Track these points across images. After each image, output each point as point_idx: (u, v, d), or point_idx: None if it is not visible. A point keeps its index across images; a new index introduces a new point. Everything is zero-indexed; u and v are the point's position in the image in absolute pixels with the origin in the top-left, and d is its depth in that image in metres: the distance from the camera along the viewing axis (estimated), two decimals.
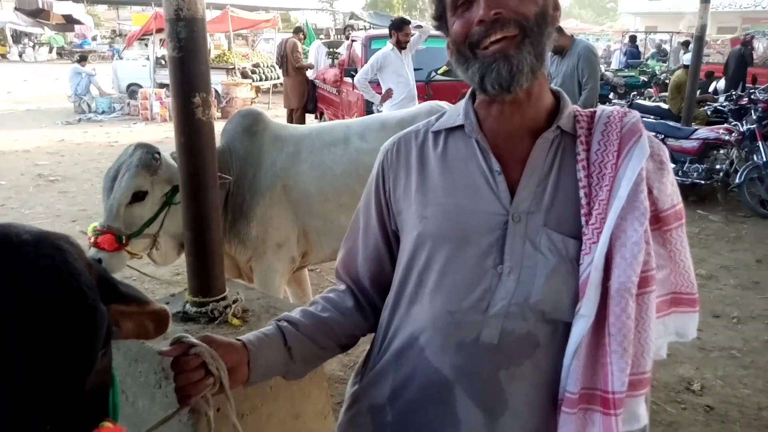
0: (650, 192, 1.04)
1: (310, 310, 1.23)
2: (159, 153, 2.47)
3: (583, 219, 1.01)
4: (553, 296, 1.01)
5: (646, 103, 9.61)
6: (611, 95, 14.09)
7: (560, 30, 5.60)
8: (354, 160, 2.98)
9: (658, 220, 1.06)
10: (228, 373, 1.05)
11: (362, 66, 7.34)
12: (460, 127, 1.13)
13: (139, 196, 2.42)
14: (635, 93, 12.14)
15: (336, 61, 10.39)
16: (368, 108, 7.50)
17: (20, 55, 31.36)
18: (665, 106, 8.82)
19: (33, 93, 17.40)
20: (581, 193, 1.03)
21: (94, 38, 33.54)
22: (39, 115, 13.64)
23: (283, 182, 2.87)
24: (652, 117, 7.81)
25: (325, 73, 10.32)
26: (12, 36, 32.36)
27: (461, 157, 1.11)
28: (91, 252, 2.39)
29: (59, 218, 6.16)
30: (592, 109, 1.11)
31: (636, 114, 1.08)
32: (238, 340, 1.12)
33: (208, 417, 1.09)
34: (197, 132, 1.88)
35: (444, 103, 3.58)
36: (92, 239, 2.42)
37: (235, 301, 2.07)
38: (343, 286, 1.28)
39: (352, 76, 8.14)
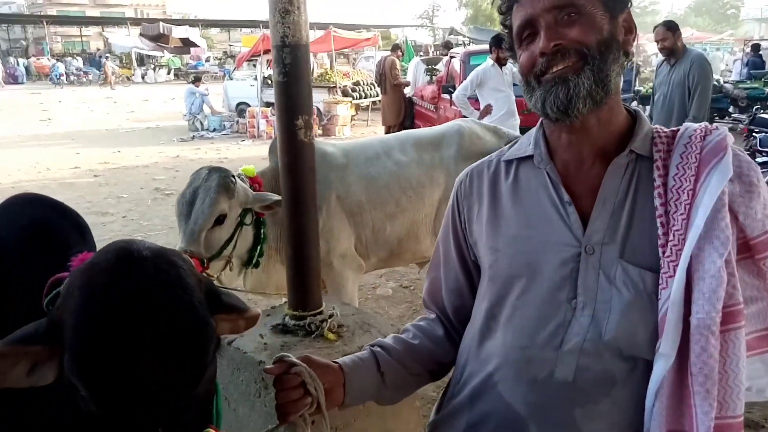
0: (736, 218, 0.96)
1: (401, 337, 1.25)
2: (234, 176, 2.51)
3: (660, 251, 0.96)
4: (629, 333, 0.97)
5: None
6: (731, 108, 13.18)
7: (674, 28, 5.30)
8: (395, 172, 3.11)
9: (748, 248, 0.97)
10: (324, 394, 1.09)
11: (460, 82, 7.34)
12: (531, 156, 1.11)
13: (219, 220, 2.43)
14: (758, 106, 11.26)
15: (434, 78, 10.43)
16: None
17: (143, 77, 34.12)
18: None
19: (152, 112, 18.85)
20: (658, 222, 0.97)
21: (207, 60, 35.91)
22: (157, 132, 14.73)
23: (336, 193, 2.94)
24: None
25: (423, 89, 10.41)
26: (136, 59, 35.30)
27: (532, 188, 1.09)
28: None
29: (173, 230, 6.59)
30: (675, 128, 1.05)
31: (723, 131, 0.99)
32: (335, 362, 1.15)
33: None
34: (299, 152, 1.96)
35: (472, 120, 3.66)
36: None
37: (331, 316, 2.13)
38: (433, 315, 1.29)
39: (450, 93, 8.16)
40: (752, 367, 0.97)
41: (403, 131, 3.53)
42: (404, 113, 10.75)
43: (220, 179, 2.42)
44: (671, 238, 0.95)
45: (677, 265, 0.93)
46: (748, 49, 17.05)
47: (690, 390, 0.92)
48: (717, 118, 13.13)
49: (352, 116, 14.96)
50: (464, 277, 1.22)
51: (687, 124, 1.06)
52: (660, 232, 0.96)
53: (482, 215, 1.14)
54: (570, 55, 0.98)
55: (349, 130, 14.30)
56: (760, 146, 6.78)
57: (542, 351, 1.01)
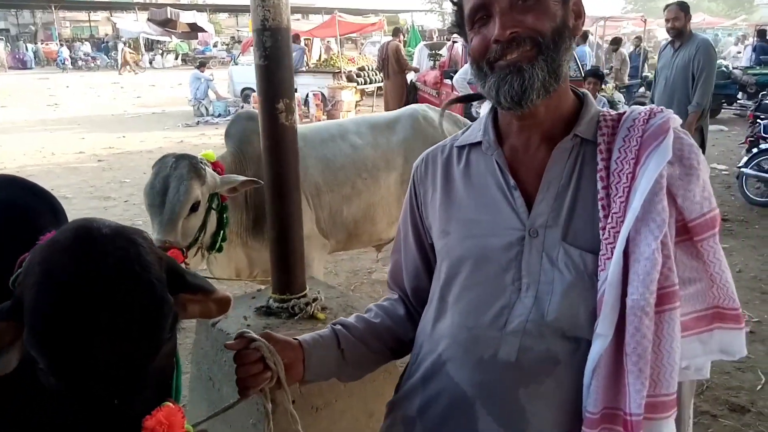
0: (675, 201, 0.96)
1: (363, 316, 1.28)
2: (203, 161, 2.46)
3: (600, 233, 0.97)
4: (571, 314, 0.98)
5: None
6: (739, 95, 13.03)
7: (686, 9, 5.24)
8: (350, 155, 3.14)
9: (686, 230, 0.98)
10: (284, 369, 1.11)
11: (462, 67, 7.32)
12: (480, 143, 1.13)
13: (194, 207, 2.37)
14: (766, 92, 11.12)
15: (437, 63, 10.39)
16: (467, 110, 7.45)
17: (150, 62, 34.11)
18: None
19: (159, 97, 18.88)
20: (599, 205, 0.98)
21: (215, 45, 35.85)
22: (162, 117, 14.77)
23: None
24: None
25: (426, 75, 10.39)
26: (144, 45, 35.28)
27: (482, 173, 1.11)
28: None
29: None
30: (621, 111, 1.05)
31: (668, 114, 0.99)
32: (295, 339, 1.17)
33: (266, 409, 1.15)
34: (281, 136, 1.97)
35: (427, 106, 3.66)
36: None
37: (315, 299, 2.15)
38: (395, 295, 1.32)
39: (452, 78, 8.14)
40: (690, 347, 0.98)
41: (359, 115, 3.71)
42: (406, 99, 10.73)
43: (191, 166, 2.35)
44: (610, 220, 0.96)
45: (615, 247, 0.94)
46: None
47: (625, 369, 0.93)
48: (725, 104, 13.00)
49: (357, 102, 14.91)
50: (421, 260, 1.24)
51: (634, 107, 1.07)
52: (601, 215, 0.98)
53: (436, 199, 1.16)
54: (525, 43, 0.98)
55: (354, 115, 14.28)
56: (764, 132, 6.72)
57: (487, 331, 1.03)
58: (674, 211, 0.96)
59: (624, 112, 1.05)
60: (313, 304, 2.12)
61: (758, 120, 7.17)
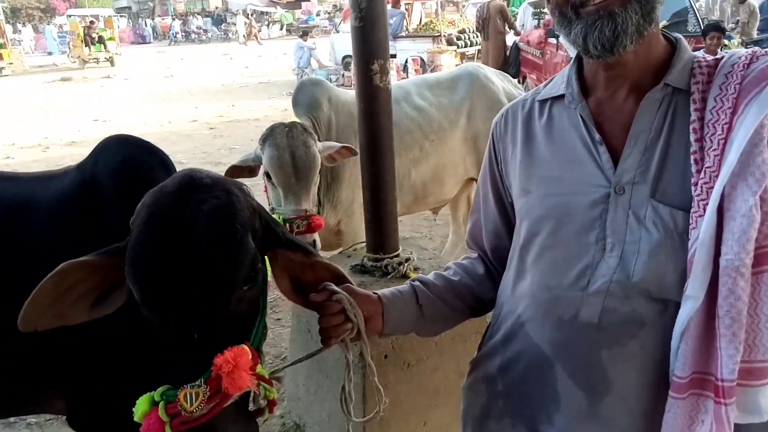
0: None
1: (443, 274, 1.28)
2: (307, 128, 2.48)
3: (692, 189, 0.90)
4: (658, 274, 0.93)
5: None
6: None
7: None
8: (416, 118, 3.08)
9: None
10: (365, 322, 1.14)
11: None
12: (563, 95, 1.07)
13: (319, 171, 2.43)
14: None
15: (541, 22, 9.95)
16: None
17: (256, 36, 35.27)
18: None
19: (265, 67, 19.54)
20: (691, 159, 0.91)
21: (317, 14, 36.39)
22: (269, 87, 15.30)
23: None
24: None
25: (529, 35, 9.97)
26: (251, 16, 36.50)
27: (565, 128, 1.06)
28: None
29: None
30: (719, 57, 0.96)
31: None
32: (375, 293, 1.20)
33: (347, 359, 1.18)
34: (375, 97, 2.00)
35: (478, 64, 3.57)
36: (303, 226, 2.26)
37: (407, 260, 2.19)
38: (475, 254, 1.31)
39: (557, 37, 7.77)
40: None
41: (419, 75, 3.59)
42: (506, 60, 10.42)
43: (308, 133, 2.38)
44: (703, 175, 0.89)
45: (707, 204, 0.88)
46: None
47: (717, 332, 0.88)
48: None
49: (457, 65, 14.66)
50: (501, 219, 1.22)
51: (733, 50, 0.97)
52: (693, 169, 0.91)
53: (516, 156, 1.13)
54: None
55: None
56: None
57: (568, 292, 1.00)
58: None
59: (722, 57, 0.96)
60: (406, 264, 2.16)
61: None
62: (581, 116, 1.04)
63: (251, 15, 32.73)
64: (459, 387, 2.17)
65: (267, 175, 2.35)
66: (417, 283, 1.25)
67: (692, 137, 0.93)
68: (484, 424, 1.17)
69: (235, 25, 35.85)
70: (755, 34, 11.64)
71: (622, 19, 0.91)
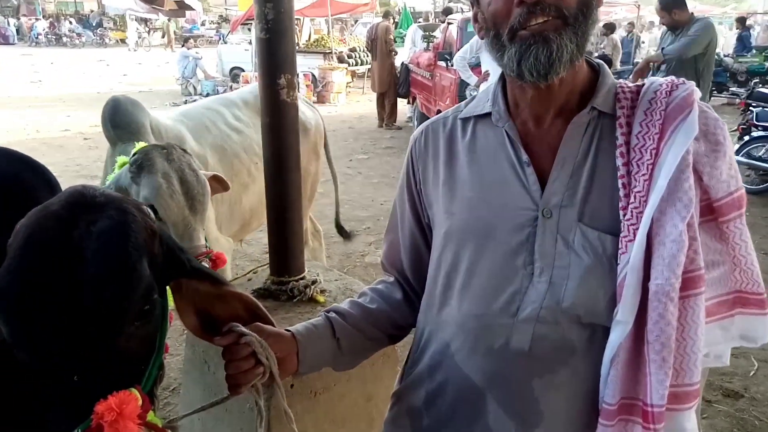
0: (700, 179, 0.91)
1: (358, 302, 1.22)
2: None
3: (620, 213, 0.91)
4: (588, 299, 0.93)
5: None
6: (729, 82, 13.05)
7: (681, 4, 5.19)
8: (239, 140, 2.94)
9: (711, 210, 0.93)
10: (277, 363, 1.05)
11: (457, 49, 7.24)
12: (489, 114, 1.05)
13: None
14: (757, 80, 11.14)
15: (431, 45, 10.28)
16: (461, 92, 7.38)
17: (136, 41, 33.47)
18: None
19: (146, 75, 18.56)
20: (619, 183, 0.92)
21: (203, 23, 35.29)
22: (150, 96, 14.50)
23: None
24: None
25: (419, 57, 10.26)
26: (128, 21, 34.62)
27: (490, 148, 1.04)
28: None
29: None
30: (640, 83, 0.99)
31: (690, 86, 0.93)
32: (287, 330, 1.11)
33: (259, 406, 1.09)
34: (282, 113, 1.90)
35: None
36: (208, 265, 1.77)
37: (314, 282, 2.10)
38: (392, 278, 1.26)
39: (446, 60, 8.04)
40: (711, 334, 0.94)
41: (218, 95, 3.33)
42: (396, 80, 10.66)
43: (191, 157, 1.99)
44: (632, 200, 0.90)
45: (637, 229, 0.89)
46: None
47: (646, 358, 0.89)
48: (715, 92, 13.02)
49: (348, 83, 14.77)
50: (422, 238, 1.18)
51: (653, 78, 1.00)
52: (621, 193, 0.92)
53: (438, 176, 1.09)
54: (550, 11, 0.90)
55: (345, 96, 14.13)
56: (757, 120, 6.73)
57: (498, 319, 0.97)
58: (699, 191, 0.91)
59: (643, 84, 0.98)
60: (312, 287, 2.07)
61: (750, 108, 7.17)
62: (508, 136, 1.02)
63: (169, 20, 31.00)
64: (366, 412, 2.13)
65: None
66: (332, 314, 1.18)
67: (619, 161, 0.93)
68: None
69: (111, 30, 33.86)
70: (618, 66, 12.79)
71: (557, 45, 0.90)
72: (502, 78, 1.06)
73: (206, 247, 1.87)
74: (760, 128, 6.73)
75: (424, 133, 1.15)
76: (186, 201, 1.86)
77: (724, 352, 1.00)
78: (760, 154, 6.56)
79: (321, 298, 2.06)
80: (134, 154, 1.79)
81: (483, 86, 6.29)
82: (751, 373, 3.30)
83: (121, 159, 1.93)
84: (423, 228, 1.16)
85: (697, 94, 0.93)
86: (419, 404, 1.10)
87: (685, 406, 0.91)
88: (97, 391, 0.82)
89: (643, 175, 0.90)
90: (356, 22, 23.75)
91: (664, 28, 5.74)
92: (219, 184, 2.07)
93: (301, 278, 2.08)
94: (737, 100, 7.71)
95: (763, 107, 7.06)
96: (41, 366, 0.83)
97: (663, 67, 5.40)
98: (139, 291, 0.86)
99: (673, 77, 0.98)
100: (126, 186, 1.81)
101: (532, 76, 0.92)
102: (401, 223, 1.21)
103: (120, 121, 2.23)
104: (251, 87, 3.30)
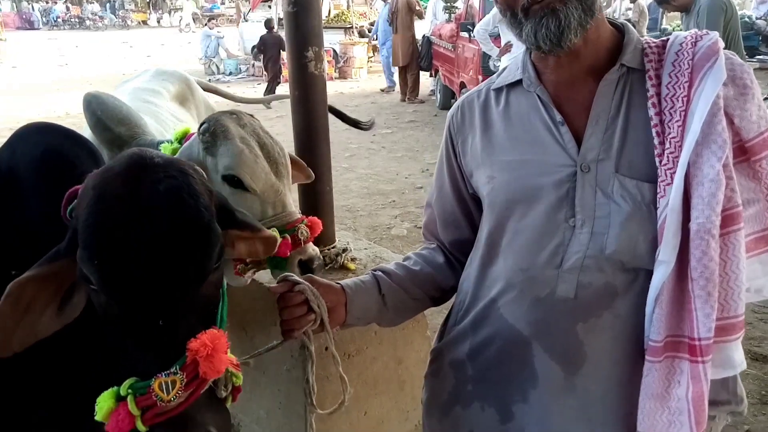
0: (731, 122, 0.95)
1: (403, 264, 1.29)
2: None
3: (656, 160, 0.96)
4: (630, 245, 0.98)
5: None
6: (762, 46, 12.68)
7: None
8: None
9: (743, 151, 0.97)
10: (327, 312, 1.13)
11: (479, 20, 7.16)
12: (520, 81, 1.10)
13: None
14: None
15: (453, 16, 10.16)
16: (484, 63, 7.32)
17: (158, 21, 33.70)
18: None
19: (169, 56, 18.69)
20: (653, 132, 0.97)
21: (222, 2, 35.24)
22: None
23: None
24: None
25: (441, 28, 10.15)
26: (150, 3, 34.80)
27: (524, 112, 1.09)
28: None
29: None
30: (665, 38, 1.03)
31: (714, 35, 0.97)
32: (338, 283, 1.19)
33: (309, 351, 1.17)
34: (310, 85, 1.95)
35: (170, 67, 3.01)
36: (306, 231, 1.59)
37: (344, 250, 2.17)
38: (433, 244, 1.32)
39: (469, 31, 7.96)
40: (750, 268, 0.98)
41: (134, 85, 2.71)
42: (417, 53, 10.59)
43: (259, 121, 1.75)
44: (668, 146, 0.95)
45: (675, 173, 0.93)
46: None
47: (690, 295, 0.93)
48: (746, 56, 12.66)
49: (369, 58, 14.70)
50: (461, 211, 1.23)
51: (676, 33, 1.04)
52: (656, 141, 0.96)
53: (476, 145, 1.14)
54: None
55: (366, 72, 14.08)
56: None
57: (543, 271, 1.03)
58: (731, 132, 0.95)
59: (667, 39, 1.03)
60: (343, 255, 2.14)
61: None
62: (540, 99, 1.07)
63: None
64: (397, 374, 2.20)
65: (232, 182, 1.57)
66: (379, 273, 1.25)
67: (651, 112, 0.98)
68: (450, 410, 1.18)
69: (133, 12, 34.04)
70: (645, 33, 12.50)
71: (564, 14, 0.97)
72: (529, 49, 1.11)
73: (300, 212, 1.69)
74: None
75: (460, 108, 1.21)
76: (270, 166, 1.63)
77: (764, 285, 1.04)
78: None
79: (352, 266, 2.12)
80: (202, 124, 1.60)
81: (505, 58, 6.23)
82: None
83: (167, 147, 1.74)
84: (464, 199, 1.22)
85: (721, 43, 0.97)
86: (462, 357, 1.16)
87: (732, 337, 0.96)
88: (185, 332, 0.90)
89: (677, 121, 0.94)
90: None
91: None
92: (300, 172, 1.83)
93: (332, 247, 2.15)
94: None
95: None
96: (134, 313, 0.90)
97: None
98: (217, 243, 0.95)
99: (696, 30, 1.02)
100: (200, 159, 1.60)
101: (547, 45, 0.99)
102: (440, 195, 1.27)
103: (121, 116, 1.85)
104: (154, 72, 2.88)
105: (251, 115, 1.66)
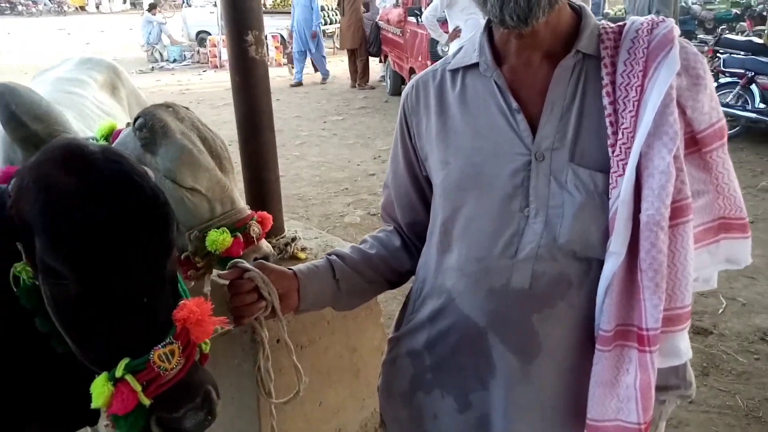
0: (683, 112, 0.95)
1: (358, 247, 1.26)
2: None
3: (609, 150, 0.95)
4: (583, 235, 0.97)
5: (737, 37, 8.84)
6: (697, 30, 13.13)
7: None
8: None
9: (695, 142, 0.97)
10: (279, 299, 1.10)
11: (427, 5, 7.14)
12: (477, 64, 1.07)
13: None
14: (725, 27, 11.22)
15: (400, 1, 10.12)
16: (433, 48, 7.32)
17: (97, 7, 32.40)
18: (759, 40, 8.11)
19: (109, 43, 18.01)
20: (606, 121, 0.95)
21: None
22: None
23: None
24: (742, 53, 7.22)
25: (388, 13, 10.08)
26: None
27: (480, 97, 1.06)
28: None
29: None
30: (621, 23, 1.01)
31: (669, 23, 0.96)
32: (290, 269, 1.16)
33: (261, 338, 1.16)
34: (251, 70, 1.88)
35: (95, 56, 2.90)
36: (258, 228, 1.53)
37: (294, 239, 2.12)
38: (391, 227, 1.29)
39: (416, 16, 7.94)
40: (699, 259, 0.99)
41: (57, 75, 2.53)
42: (365, 37, 10.53)
43: (193, 113, 1.62)
44: (620, 136, 0.94)
45: (626, 164, 0.92)
46: None
47: (640, 285, 0.93)
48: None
49: None
50: (416, 193, 1.20)
51: (633, 18, 1.02)
52: (609, 131, 0.95)
53: (431, 129, 1.11)
54: None
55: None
56: (724, 66, 6.82)
57: (498, 261, 1.01)
58: (683, 123, 0.94)
59: (624, 24, 1.00)
60: (293, 244, 2.09)
61: (717, 55, 7.25)
62: (497, 84, 1.03)
63: None
64: (351, 363, 2.18)
65: (175, 181, 1.44)
66: (333, 257, 1.21)
67: (606, 101, 0.96)
68: (413, 396, 1.17)
69: None
70: None
71: None
72: (488, 28, 1.08)
73: (248, 208, 1.59)
74: (727, 74, 6.84)
75: (414, 87, 1.17)
76: (214, 160, 1.53)
77: (711, 275, 1.06)
78: (727, 100, 6.67)
79: (302, 255, 2.09)
80: (137, 119, 1.48)
81: (454, 44, 6.24)
82: (720, 311, 3.44)
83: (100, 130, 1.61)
84: (419, 181, 1.19)
85: (677, 31, 0.96)
86: (420, 347, 1.15)
87: (678, 327, 0.97)
88: (165, 306, 0.96)
89: (630, 111, 0.93)
90: None
91: None
92: None
93: (282, 237, 2.10)
94: (705, 48, 7.76)
95: (731, 54, 7.15)
96: (118, 298, 0.92)
97: None
98: (174, 216, 1.00)
99: (653, 16, 1.00)
100: (137, 156, 1.44)
101: (513, 21, 0.93)
102: (395, 177, 1.24)
103: (39, 112, 1.56)
104: (78, 61, 2.72)
105: (186, 108, 1.56)
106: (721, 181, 0.99)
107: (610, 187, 0.94)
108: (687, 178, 0.94)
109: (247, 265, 1.10)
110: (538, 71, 1.02)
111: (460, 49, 1.14)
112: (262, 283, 1.08)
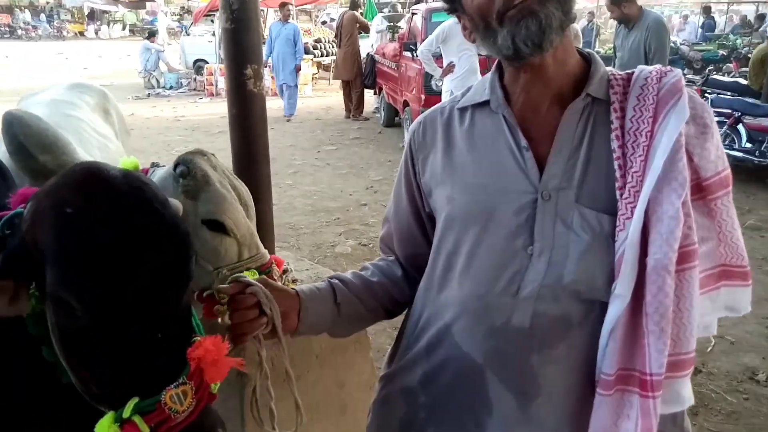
0: (691, 159, 0.96)
1: (360, 273, 1.25)
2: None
3: (617, 193, 0.96)
4: (588, 276, 0.97)
5: (723, 78, 9.08)
6: (686, 70, 13.41)
7: (617, 1, 5.31)
8: (104, 144, 2.35)
9: (700, 189, 0.99)
10: (280, 318, 1.08)
11: (422, 40, 7.27)
12: (487, 102, 1.08)
13: None
14: (712, 68, 11.48)
15: (396, 35, 10.30)
16: (427, 83, 7.42)
17: (96, 33, 32.70)
18: (745, 82, 8.30)
19: (107, 69, 18.15)
20: (615, 165, 0.97)
21: (165, 14, 34.56)
22: (112, 90, 13.93)
23: None
24: (728, 93, 7.40)
25: (384, 47, 10.25)
26: (88, 14, 33.75)
27: (488, 134, 1.07)
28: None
29: None
30: (630, 71, 1.04)
31: (678, 72, 0.99)
32: (293, 288, 1.15)
33: (260, 356, 1.11)
34: (249, 104, 1.91)
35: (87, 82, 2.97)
36: (278, 271, 1.73)
37: (285, 271, 2.12)
38: (391, 257, 1.29)
39: (412, 50, 8.07)
40: (700, 305, 0.98)
41: (53, 98, 2.52)
42: (360, 69, 10.69)
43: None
44: (629, 179, 0.95)
45: (635, 207, 0.93)
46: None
47: (644, 330, 0.93)
48: None
49: (314, 74, 14.70)
50: (418, 229, 1.20)
51: (641, 66, 1.04)
52: (618, 174, 0.96)
53: (437, 164, 1.12)
54: None
55: (311, 88, 14.06)
56: (712, 106, 6.95)
57: (499, 298, 1.01)
58: (689, 170, 0.96)
59: (632, 72, 1.03)
60: (284, 276, 2.09)
61: (705, 95, 7.41)
62: (507, 121, 1.05)
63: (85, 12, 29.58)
64: (339, 398, 2.16)
65: (212, 226, 1.55)
66: (335, 281, 1.21)
67: (615, 144, 0.97)
68: None
69: (70, 22, 32.89)
70: None
71: (544, 14, 0.93)
72: (498, 68, 1.09)
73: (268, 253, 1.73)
74: (715, 114, 6.97)
75: (422, 125, 1.18)
76: (243, 208, 1.64)
77: (711, 322, 1.06)
78: None
79: (293, 287, 2.08)
80: (177, 165, 1.56)
81: (447, 79, 6.34)
82: (708, 350, 3.45)
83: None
84: (421, 218, 1.19)
85: (684, 80, 0.98)
86: (414, 384, 1.13)
87: (682, 373, 0.97)
88: (181, 343, 0.90)
89: (640, 156, 0.95)
90: (320, 13, 23.59)
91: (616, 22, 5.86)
92: None
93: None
94: (693, 87, 7.95)
95: (718, 94, 7.31)
96: (133, 332, 0.86)
97: (617, 64, 5.52)
98: (193, 246, 0.94)
99: (660, 65, 1.03)
100: (176, 198, 1.39)
101: (527, 47, 0.94)
102: (397, 212, 1.24)
103: (47, 142, 1.58)
104: (68, 86, 2.74)
105: (213, 154, 1.64)
106: (724, 229, 1.00)
107: (617, 229, 0.95)
108: (693, 224, 0.95)
109: (249, 279, 1.07)
110: (547, 113, 1.03)
111: (469, 89, 1.16)
112: (264, 298, 1.04)
